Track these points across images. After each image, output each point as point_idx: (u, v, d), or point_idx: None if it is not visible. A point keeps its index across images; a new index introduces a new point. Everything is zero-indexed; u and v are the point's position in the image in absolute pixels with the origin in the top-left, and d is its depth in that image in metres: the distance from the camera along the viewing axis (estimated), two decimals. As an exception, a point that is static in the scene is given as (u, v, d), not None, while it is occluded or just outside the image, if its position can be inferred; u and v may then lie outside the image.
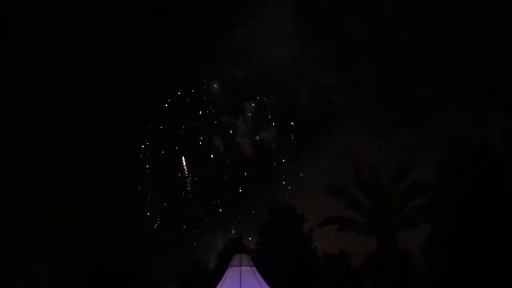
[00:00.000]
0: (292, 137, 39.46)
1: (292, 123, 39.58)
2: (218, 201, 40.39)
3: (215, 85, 42.78)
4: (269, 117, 41.14)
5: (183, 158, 42.01)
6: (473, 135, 22.26)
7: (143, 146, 39.60)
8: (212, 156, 42.96)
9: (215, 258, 27.31)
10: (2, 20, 34.07)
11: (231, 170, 41.95)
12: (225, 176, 42.23)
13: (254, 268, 12.28)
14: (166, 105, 40.85)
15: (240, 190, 39.93)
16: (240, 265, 11.89)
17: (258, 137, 41.75)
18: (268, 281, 12.50)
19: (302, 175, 36.25)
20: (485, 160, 20.22)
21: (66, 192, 32.27)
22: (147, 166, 39.19)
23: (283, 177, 38.16)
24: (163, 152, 41.44)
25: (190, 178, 42.04)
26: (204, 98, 40.67)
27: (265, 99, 40.60)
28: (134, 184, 35.78)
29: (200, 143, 43.05)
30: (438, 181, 21.72)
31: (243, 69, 39.33)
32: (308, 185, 26.91)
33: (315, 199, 26.22)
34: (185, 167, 42.15)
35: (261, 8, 40.13)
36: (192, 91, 40.43)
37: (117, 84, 36.62)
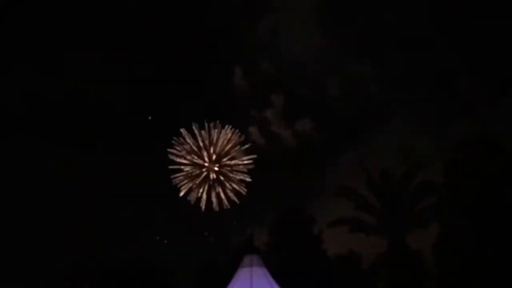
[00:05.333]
0: (328, 131, 37.17)
1: (326, 115, 37.24)
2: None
3: (240, 77, 40.38)
4: (301, 109, 39.44)
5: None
6: (485, 132, 22.14)
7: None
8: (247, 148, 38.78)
9: (227, 258, 27.32)
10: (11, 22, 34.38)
11: (273, 163, 38.05)
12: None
13: (265, 269, 12.44)
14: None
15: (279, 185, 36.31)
16: (251, 266, 12.06)
17: (294, 128, 38.48)
18: (278, 282, 12.64)
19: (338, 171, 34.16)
20: (497, 158, 20.18)
21: (81, 191, 32.48)
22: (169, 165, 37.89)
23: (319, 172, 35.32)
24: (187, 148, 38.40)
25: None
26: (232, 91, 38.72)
27: (295, 90, 38.82)
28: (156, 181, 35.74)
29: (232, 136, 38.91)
30: (448, 180, 21.68)
31: (269, 62, 38.44)
32: (345, 181, 26.12)
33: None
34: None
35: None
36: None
37: (133, 82, 36.55)
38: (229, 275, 12.93)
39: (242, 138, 39.26)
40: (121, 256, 29.14)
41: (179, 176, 39.08)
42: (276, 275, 12.89)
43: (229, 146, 40.33)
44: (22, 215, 31.02)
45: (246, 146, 38.90)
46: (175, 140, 39.35)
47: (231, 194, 38.87)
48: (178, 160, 39.49)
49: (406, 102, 34.01)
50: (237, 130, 39.73)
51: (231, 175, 39.65)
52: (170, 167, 38.69)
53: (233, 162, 39.80)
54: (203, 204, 38.76)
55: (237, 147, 39.98)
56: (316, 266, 23.82)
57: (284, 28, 38.19)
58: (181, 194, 38.45)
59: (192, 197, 39.00)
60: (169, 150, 38.59)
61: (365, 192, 25.77)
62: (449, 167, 21.29)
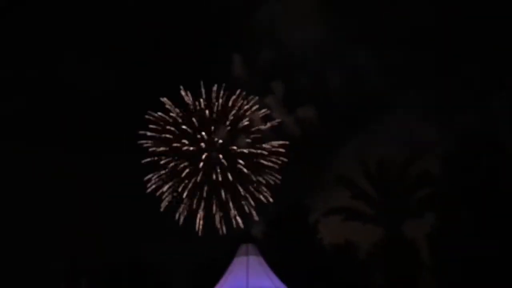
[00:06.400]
0: (328, 120, 31.66)
1: (326, 104, 32.13)
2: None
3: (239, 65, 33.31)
4: (302, 96, 33.49)
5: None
6: (481, 127, 22.26)
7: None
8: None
9: (224, 247, 26.80)
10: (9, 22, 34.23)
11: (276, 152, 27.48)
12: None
13: (261, 258, 12.58)
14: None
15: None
16: (247, 255, 12.20)
17: (295, 115, 31.22)
18: (275, 271, 12.76)
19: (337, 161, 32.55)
20: (494, 152, 20.30)
21: (79, 191, 32.25)
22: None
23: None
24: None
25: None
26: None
27: (295, 78, 34.38)
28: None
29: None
30: (444, 172, 21.85)
31: (268, 50, 36.41)
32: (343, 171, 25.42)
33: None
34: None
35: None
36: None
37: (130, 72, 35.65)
38: (226, 266, 13.03)
39: (265, 111, 26.09)
40: (118, 254, 28.40)
41: (155, 177, 25.54)
42: (272, 264, 13.00)
43: (244, 122, 25.93)
44: (19, 214, 31.05)
45: (269, 124, 26.02)
46: (150, 116, 25.28)
47: (247, 207, 25.65)
48: (157, 148, 25.33)
49: (407, 92, 34.04)
50: (256, 98, 26.18)
51: (250, 174, 25.41)
52: (144, 161, 25.36)
53: (256, 149, 25.51)
54: (199, 224, 25.75)
55: (260, 125, 25.85)
56: (313, 255, 23.89)
57: (284, 15, 37.78)
58: (163, 207, 25.58)
59: (181, 212, 25.83)
60: (140, 132, 25.42)
61: (363, 181, 25.83)
62: (449, 159, 21.41)
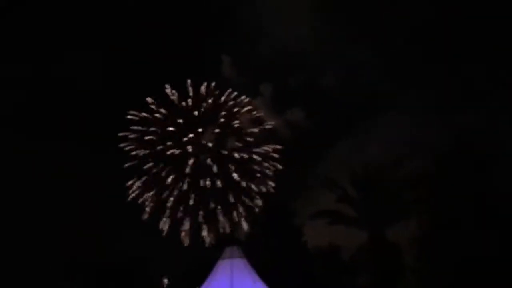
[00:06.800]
0: (322, 121, 30.05)
1: (315, 107, 30.48)
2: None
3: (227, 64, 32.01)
4: (293, 98, 32.13)
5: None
6: (481, 126, 21.91)
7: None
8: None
9: (208, 250, 25.88)
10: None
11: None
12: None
13: (245, 260, 12.44)
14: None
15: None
16: (231, 257, 12.09)
17: (285, 117, 30.08)
18: (259, 273, 12.46)
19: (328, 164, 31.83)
20: (493, 151, 19.91)
21: (78, 190, 31.25)
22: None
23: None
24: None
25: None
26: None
27: (284, 79, 32.73)
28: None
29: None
30: (439, 172, 21.47)
31: (258, 51, 35.37)
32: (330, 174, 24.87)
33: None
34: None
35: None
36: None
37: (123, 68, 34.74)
38: (211, 267, 12.69)
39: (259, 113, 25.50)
40: (112, 253, 27.28)
41: (137, 184, 24.03)
42: (257, 266, 12.81)
43: (234, 124, 24.92)
44: (18, 212, 30.32)
45: (260, 127, 25.30)
46: (132, 116, 24.18)
47: (237, 216, 24.02)
48: (138, 152, 23.80)
49: (406, 92, 33.87)
50: (247, 99, 25.64)
51: (242, 182, 23.96)
52: (127, 165, 24.22)
53: (248, 154, 24.20)
54: (186, 236, 24.39)
55: (250, 128, 24.92)
56: (297, 258, 23.37)
57: (274, 17, 37.23)
58: (145, 216, 24.35)
59: (165, 221, 24.31)
60: (120, 134, 24.59)
61: (349, 185, 25.33)
62: (447, 158, 21.01)
